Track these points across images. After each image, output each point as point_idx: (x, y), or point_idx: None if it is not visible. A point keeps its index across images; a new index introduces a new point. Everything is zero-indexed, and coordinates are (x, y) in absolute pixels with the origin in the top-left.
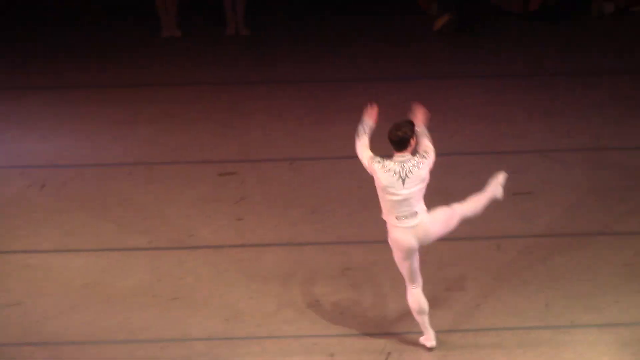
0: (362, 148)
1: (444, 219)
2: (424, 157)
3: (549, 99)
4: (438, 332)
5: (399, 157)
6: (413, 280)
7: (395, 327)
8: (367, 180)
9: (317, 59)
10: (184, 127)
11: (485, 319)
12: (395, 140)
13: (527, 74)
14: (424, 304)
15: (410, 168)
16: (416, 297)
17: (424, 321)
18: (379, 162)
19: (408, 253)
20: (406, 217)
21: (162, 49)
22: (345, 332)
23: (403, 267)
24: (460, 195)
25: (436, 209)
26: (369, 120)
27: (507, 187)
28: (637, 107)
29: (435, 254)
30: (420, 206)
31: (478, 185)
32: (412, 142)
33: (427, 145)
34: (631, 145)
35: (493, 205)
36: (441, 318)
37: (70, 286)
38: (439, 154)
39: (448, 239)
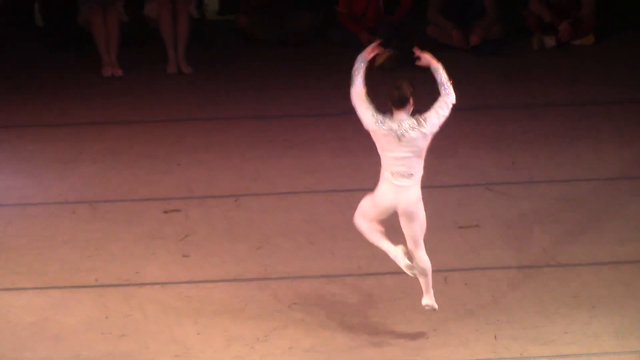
0: (360, 102)
1: (424, 217)
2: (421, 123)
3: (494, 131)
4: None
5: (397, 115)
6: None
7: None
8: (312, 215)
9: (260, 94)
10: (128, 165)
11: (435, 351)
12: (394, 98)
13: (471, 107)
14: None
15: (407, 129)
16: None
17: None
18: (380, 122)
19: (383, 212)
20: (401, 175)
21: (103, 87)
22: None
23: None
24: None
25: None
26: (366, 56)
27: (452, 220)
28: (582, 138)
29: (383, 286)
30: (417, 176)
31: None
32: (411, 100)
33: (441, 99)
34: (576, 177)
35: (439, 238)
36: (390, 351)
37: (19, 324)
38: None
39: (396, 272)
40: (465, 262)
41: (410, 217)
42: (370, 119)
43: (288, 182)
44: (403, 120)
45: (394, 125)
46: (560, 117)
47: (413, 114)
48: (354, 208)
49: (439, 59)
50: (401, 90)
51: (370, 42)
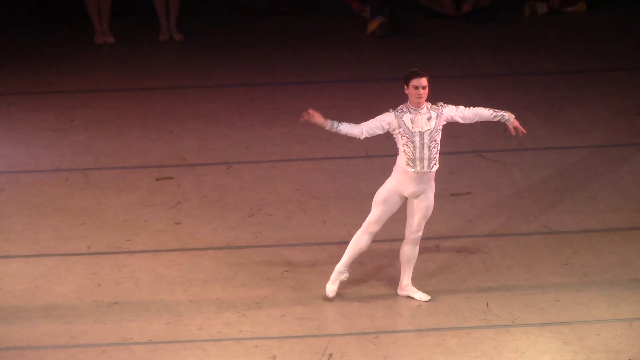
0: (370, 122)
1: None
2: (437, 110)
3: (484, 99)
4: (379, 334)
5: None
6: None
7: (337, 328)
8: (303, 183)
9: (251, 62)
10: (119, 133)
11: (426, 319)
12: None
13: (461, 75)
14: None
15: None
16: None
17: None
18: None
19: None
20: (430, 161)
21: (95, 55)
22: (287, 333)
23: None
24: None
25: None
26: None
27: (444, 188)
28: (572, 107)
29: (374, 254)
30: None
31: None
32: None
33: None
34: (567, 144)
35: None
36: (381, 319)
37: (10, 292)
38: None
39: (387, 239)
40: (456, 230)
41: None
42: (395, 122)
43: (279, 151)
44: (421, 109)
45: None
46: (550, 85)
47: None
48: (345, 176)
49: (430, 26)
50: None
51: (361, 10)
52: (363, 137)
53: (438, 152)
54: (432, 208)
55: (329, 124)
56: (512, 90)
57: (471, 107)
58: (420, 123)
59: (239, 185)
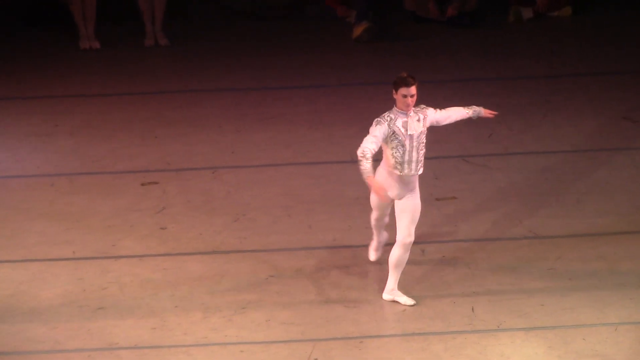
0: (370, 143)
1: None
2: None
3: (471, 104)
4: (364, 338)
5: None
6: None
7: (322, 333)
8: (289, 188)
9: (237, 67)
10: (105, 138)
11: (411, 323)
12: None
13: (447, 80)
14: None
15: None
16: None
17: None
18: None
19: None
20: (418, 164)
21: (81, 60)
22: (272, 338)
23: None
24: None
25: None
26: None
27: (429, 193)
28: (558, 111)
29: (359, 259)
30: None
31: None
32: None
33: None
34: (553, 149)
35: None
36: (366, 323)
37: None
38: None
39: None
40: (442, 235)
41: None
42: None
43: (265, 155)
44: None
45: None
46: (536, 90)
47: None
48: (330, 181)
49: (416, 31)
50: (401, 75)
51: (346, 15)
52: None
53: (424, 154)
54: (419, 210)
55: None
56: (499, 95)
57: (446, 108)
58: (412, 126)
59: (224, 190)
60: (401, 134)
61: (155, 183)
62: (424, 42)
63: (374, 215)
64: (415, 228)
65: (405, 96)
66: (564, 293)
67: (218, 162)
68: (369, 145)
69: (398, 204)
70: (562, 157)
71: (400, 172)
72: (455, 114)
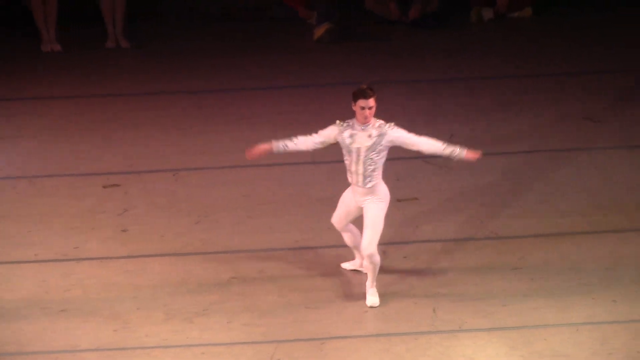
0: (316, 137)
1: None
2: (381, 130)
3: (431, 105)
4: (327, 339)
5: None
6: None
7: (284, 334)
8: (251, 189)
9: (200, 69)
10: (68, 140)
11: (374, 324)
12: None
13: (409, 80)
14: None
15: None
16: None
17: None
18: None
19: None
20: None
21: (43, 62)
22: (234, 340)
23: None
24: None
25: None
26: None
27: (392, 194)
28: (520, 112)
29: (321, 260)
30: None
31: None
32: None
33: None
34: (515, 149)
35: None
36: (328, 324)
37: None
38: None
39: (334, 246)
40: (404, 236)
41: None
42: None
43: (227, 157)
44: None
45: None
46: (497, 90)
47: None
48: (293, 182)
49: (377, 32)
50: (360, 87)
51: (308, 17)
52: (312, 151)
53: (375, 170)
54: (379, 222)
55: (275, 147)
56: (461, 96)
57: (422, 137)
58: (359, 140)
59: (186, 191)
60: (344, 145)
61: (117, 185)
62: (386, 43)
63: (337, 223)
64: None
65: (363, 108)
66: (526, 293)
67: (180, 164)
68: (314, 138)
69: (362, 211)
70: (523, 158)
71: (350, 179)
72: (427, 146)
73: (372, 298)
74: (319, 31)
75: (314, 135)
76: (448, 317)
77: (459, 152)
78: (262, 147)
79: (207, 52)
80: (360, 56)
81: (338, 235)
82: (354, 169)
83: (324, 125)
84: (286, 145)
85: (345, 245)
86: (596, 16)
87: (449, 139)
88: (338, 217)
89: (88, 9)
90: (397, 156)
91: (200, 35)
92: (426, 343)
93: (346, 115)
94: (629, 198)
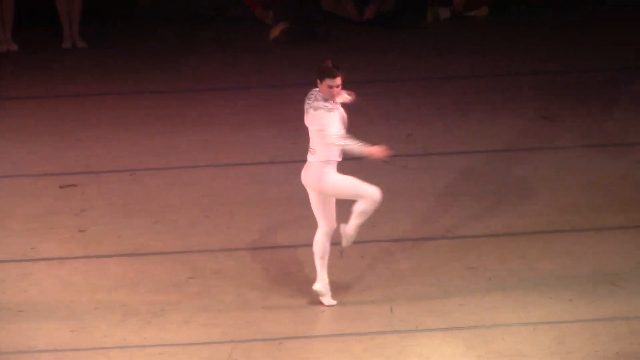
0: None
1: (342, 184)
2: (325, 109)
3: (389, 104)
4: (284, 339)
5: (315, 89)
6: (319, 221)
7: (242, 334)
8: (208, 190)
9: (157, 69)
10: (24, 141)
11: (331, 324)
12: (318, 69)
13: (366, 81)
14: (321, 248)
15: (313, 106)
16: (317, 238)
17: (320, 265)
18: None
19: (306, 187)
20: (310, 151)
21: None
22: (192, 340)
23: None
24: (301, 202)
25: (347, 176)
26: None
27: None
28: (478, 111)
29: (279, 260)
30: (322, 152)
31: None
32: (318, 83)
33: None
34: (472, 149)
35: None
36: (286, 324)
37: None
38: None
39: (289, 245)
40: (361, 235)
41: (320, 195)
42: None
43: (185, 157)
44: (315, 97)
45: (310, 99)
46: (454, 90)
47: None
48: (250, 182)
49: (334, 32)
50: (320, 66)
51: (264, 17)
52: None
53: None
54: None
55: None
56: (418, 95)
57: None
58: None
59: (144, 192)
60: (345, 121)
61: (74, 185)
62: (342, 43)
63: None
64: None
65: (330, 87)
66: (483, 293)
67: (138, 164)
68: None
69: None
70: (481, 157)
71: (338, 156)
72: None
73: (328, 298)
74: (275, 31)
75: (340, 124)
76: (405, 317)
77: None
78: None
79: (163, 53)
80: (316, 56)
81: (295, 235)
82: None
83: (283, 125)
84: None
85: (301, 245)
86: (552, 16)
87: (406, 138)
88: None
89: (44, 9)
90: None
91: (155, 37)
92: (383, 343)
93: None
94: (585, 197)
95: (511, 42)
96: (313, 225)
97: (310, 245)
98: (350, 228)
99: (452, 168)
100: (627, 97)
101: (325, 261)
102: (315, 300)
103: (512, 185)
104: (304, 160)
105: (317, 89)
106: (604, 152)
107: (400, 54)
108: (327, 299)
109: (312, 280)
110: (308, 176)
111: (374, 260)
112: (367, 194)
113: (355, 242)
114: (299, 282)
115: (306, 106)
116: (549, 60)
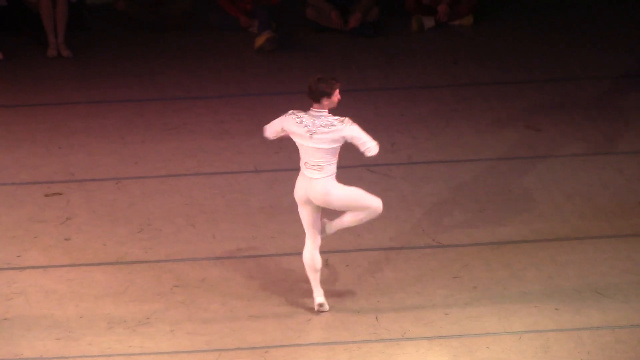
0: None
1: (349, 197)
2: (342, 122)
3: (372, 113)
4: (269, 348)
5: (313, 111)
6: (309, 236)
7: (227, 343)
8: (193, 198)
9: (141, 78)
10: (7, 148)
11: (316, 333)
12: (310, 90)
13: (350, 89)
14: (318, 262)
15: (322, 125)
16: (310, 253)
17: (315, 278)
18: (295, 115)
19: (300, 203)
20: (311, 168)
21: None
22: (177, 348)
23: (301, 217)
24: (285, 211)
25: (352, 187)
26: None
27: None
28: (461, 120)
29: (264, 269)
30: (329, 167)
31: None
32: (326, 100)
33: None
34: (456, 158)
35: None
36: (271, 333)
37: None
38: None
39: (276, 254)
40: (346, 244)
41: (316, 210)
42: (289, 117)
43: (168, 166)
44: (319, 117)
45: (309, 121)
46: (438, 99)
47: (335, 113)
48: (234, 190)
49: (318, 40)
50: (317, 85)
51: (248, 25)
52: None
53: None
54: None
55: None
56: (401, 104)
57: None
58: None
59: (128, 200)
60: (303, 125)
61: (59, 194)
62: (326, 52)
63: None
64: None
65: (338, 96)
66: (468, 302)
67: (122, 172)
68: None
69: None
70: (465, 166)
71: (305, 169)
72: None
73: (322, 300)
74: (260, 40)
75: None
76: (390, 326)
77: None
78: None
79: (146, 61)
80: (300, 65)
81: (280, 243)
82: None
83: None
84: None
85: (286, 254)
86: (537, 24)
87: (392, 146)
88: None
89: (29, 17)
90: (339, 164)
91: (138, 44)
92: (369, 351)
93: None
94: (569, 206)
95: (495, 51)
96: (298, 234)
97: (295, 253)
98: (338, 223)
99: (435, 177)
100: (612, 106)
101: (319, 273)
102: (300, 309)
103: (497, 194)
104: (288, 169)
105: (297, 111)
106: (588, 161)
107: (384, 63)
108: (321, 300)
109: (297, 288)
110: (312, 191)
111: (359, 269)
112: (371, 206)
113: (340, 251)
114: (284, 291)
115: (303, 129)
116: (533, 69)
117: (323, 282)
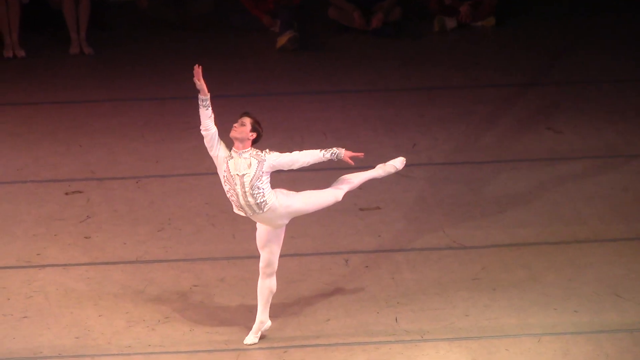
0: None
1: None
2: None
3: (394, 114)
4: (288, 348)
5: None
6: (272, 264)
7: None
8: (213, 197)
9: (161, 76)
10: (29, 147)
11: (336, 334)
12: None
13: (371, 90)
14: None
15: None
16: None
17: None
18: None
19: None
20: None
21: (5, 68)
22: (195, 348)
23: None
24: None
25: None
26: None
27: (353, 203)
28: (482, 122)
29: (283, 269)
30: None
31: None
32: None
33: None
34: (476, 159)
35: (340, 221)
36: (291, 333)
37: None
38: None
39: (296, 254)
40: (366, 245)
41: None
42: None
43: (188, 165)
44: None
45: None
46: (459, 100)
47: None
48: None
49: (340, 40)
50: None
51: (270, 25)
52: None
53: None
54: None
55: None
56: (422, 105)
57: (296, 152)
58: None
59: (148, 199)
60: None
61: (80, 192)
62: (348, 52)
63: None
64: (339, 238)
65: None
66: (487, 303)
67: (142, 171)
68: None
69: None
70: (484, 168)
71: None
72: (306, 158)
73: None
74: (282, 39)
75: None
76: (410, 327)
77: (337, 152)
78: (202, 83)
79: (168, 60)
80: (322, 65)
81: (299, 243)
82: None
83: (287, 133)
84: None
85: (305, 254)
86: (558, 27)
87: (413, 148)
88: None
89: (52, 15)
90: (359, 165)
91: (161, 43)
92: (387, 352)
93: (317, 124)
94: (589, 209)
95: (517, 53)
96: (317, 235)
97: (314, 254)
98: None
99: (455, 178)
100: (631, 108)
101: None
102: (318, 310)
103: (515, 196)
104: (306, 169)
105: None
106: (607, 163)
107: (405, 64)
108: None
109: (316, 288)
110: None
111: (379, 270)
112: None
113: (360, 252)
114: (303, 291)
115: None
116: (554, 72)
117: (343, 283)
